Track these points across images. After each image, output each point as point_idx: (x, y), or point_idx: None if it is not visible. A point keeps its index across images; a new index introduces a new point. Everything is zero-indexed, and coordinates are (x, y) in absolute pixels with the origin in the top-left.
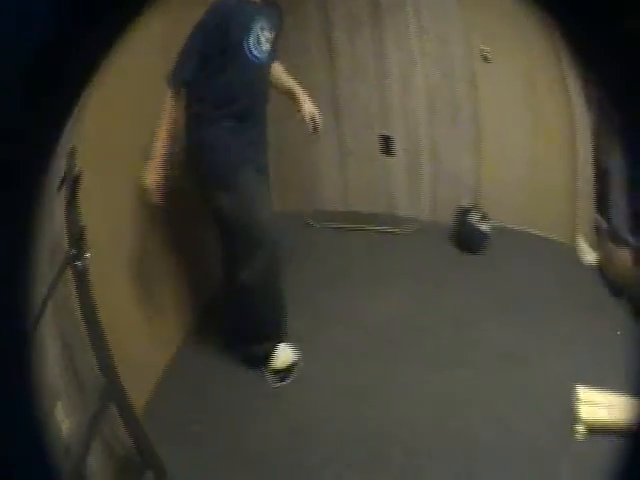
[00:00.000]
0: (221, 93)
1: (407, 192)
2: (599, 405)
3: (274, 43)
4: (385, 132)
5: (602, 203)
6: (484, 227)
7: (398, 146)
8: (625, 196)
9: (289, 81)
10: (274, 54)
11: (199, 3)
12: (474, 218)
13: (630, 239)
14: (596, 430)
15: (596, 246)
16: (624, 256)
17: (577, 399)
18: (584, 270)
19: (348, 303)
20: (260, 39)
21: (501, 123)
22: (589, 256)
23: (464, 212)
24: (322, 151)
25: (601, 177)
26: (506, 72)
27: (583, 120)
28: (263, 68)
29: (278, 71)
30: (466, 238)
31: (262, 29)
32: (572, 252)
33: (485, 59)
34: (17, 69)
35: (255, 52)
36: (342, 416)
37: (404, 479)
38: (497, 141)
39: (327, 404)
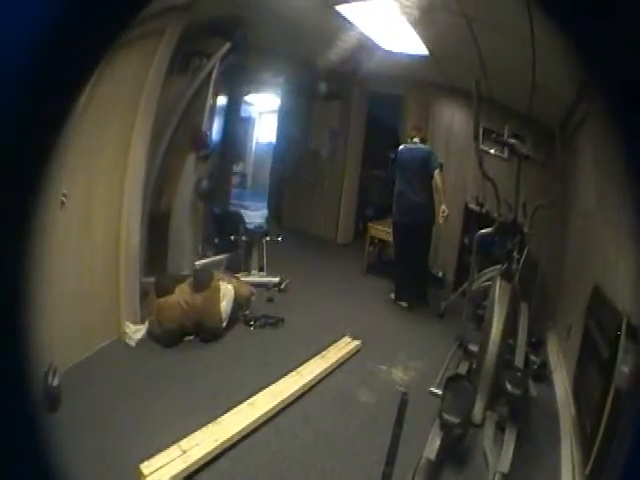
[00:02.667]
0: None
1: None
2: (164, 466)
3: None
4: None
5: None
6: (55, 382)
7: None
8: None
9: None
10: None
11: None
12: (49, 379)
13: None
14: None
15: None
16: None
17: (141, 475)
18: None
19: None
20: None
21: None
22: (137, 334)
23: (45, 377)
24: None
25: None
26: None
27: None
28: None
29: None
30: (47, 401)
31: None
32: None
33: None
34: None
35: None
36: None
37: None
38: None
39: None
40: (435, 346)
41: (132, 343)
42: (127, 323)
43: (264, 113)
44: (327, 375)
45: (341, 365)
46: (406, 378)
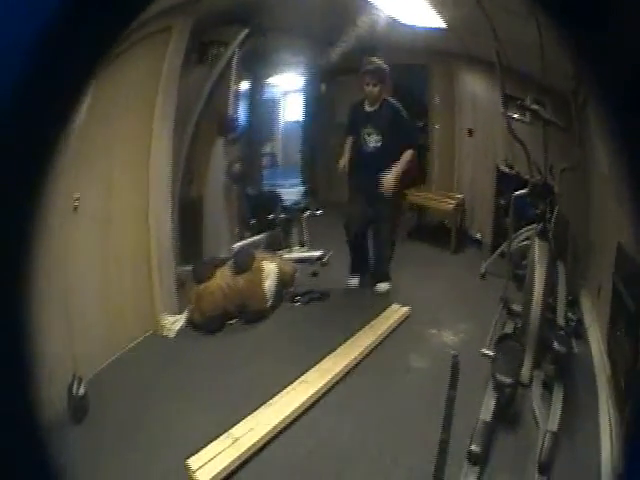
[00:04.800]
0: (355, 159)
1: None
2: (215, 457)
3: (389, 136)
4: None
5: None
6: (81, 391)
7: None
8: None
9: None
10: (392, 145)
11: None
12: (74, 389)
13: None
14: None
15: None
16: None
17: (189, 470)
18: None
19: None
20: (366, 139)
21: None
22: (176, 324)
23: (69, 388)
24: None
25: None
26: (87, 219)
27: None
28: (374, 155)
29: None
30: (73, 412)
31: (368, 134)
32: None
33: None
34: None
35: (364, 147)
36: None
37: None
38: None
39: None
40: (479, 307)
41: (171, 334)
42: (164, 315)
43: (289, 93)
44: (378, 345)
45: (391, 333)
46: (456, 340)
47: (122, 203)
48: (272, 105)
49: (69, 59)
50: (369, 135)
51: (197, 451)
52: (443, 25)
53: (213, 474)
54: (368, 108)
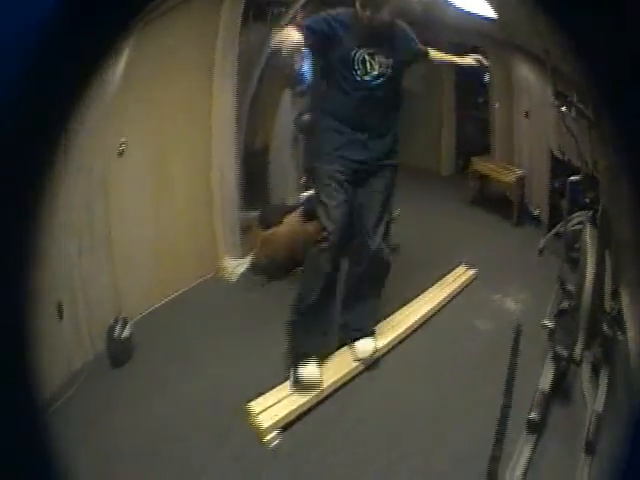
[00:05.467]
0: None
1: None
2: (278, 402)
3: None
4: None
5: None
6: (125, 334)
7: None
8: None
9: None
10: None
11: None
12: (117, 332)
13: None
14: (284, 425)
15: None
16: None
17: (251, 414)
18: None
19: None
20: (365, 63)
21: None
22: (239, 268)
23: (109, 330)
24: None
25: None
26: (137, 164)
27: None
28: (373, 95)
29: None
30: (114, 355)
31: (370, 55)
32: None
33: (120, 154)
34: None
35: (356, 79)
36: None
37: None
38: (127, 246)
39: None
40: (538, 280)
41: (233, 278)
42: (226, 258)
43: None
44: (446, 304)
45: (458, 294)
46: (518, 309)
47: (176, 149)
48: None
49: (69, 57)
50: (372, 57)
51: (259, 395)
52: (494, 15)
53: (276, 419)
54: (367, 26)
